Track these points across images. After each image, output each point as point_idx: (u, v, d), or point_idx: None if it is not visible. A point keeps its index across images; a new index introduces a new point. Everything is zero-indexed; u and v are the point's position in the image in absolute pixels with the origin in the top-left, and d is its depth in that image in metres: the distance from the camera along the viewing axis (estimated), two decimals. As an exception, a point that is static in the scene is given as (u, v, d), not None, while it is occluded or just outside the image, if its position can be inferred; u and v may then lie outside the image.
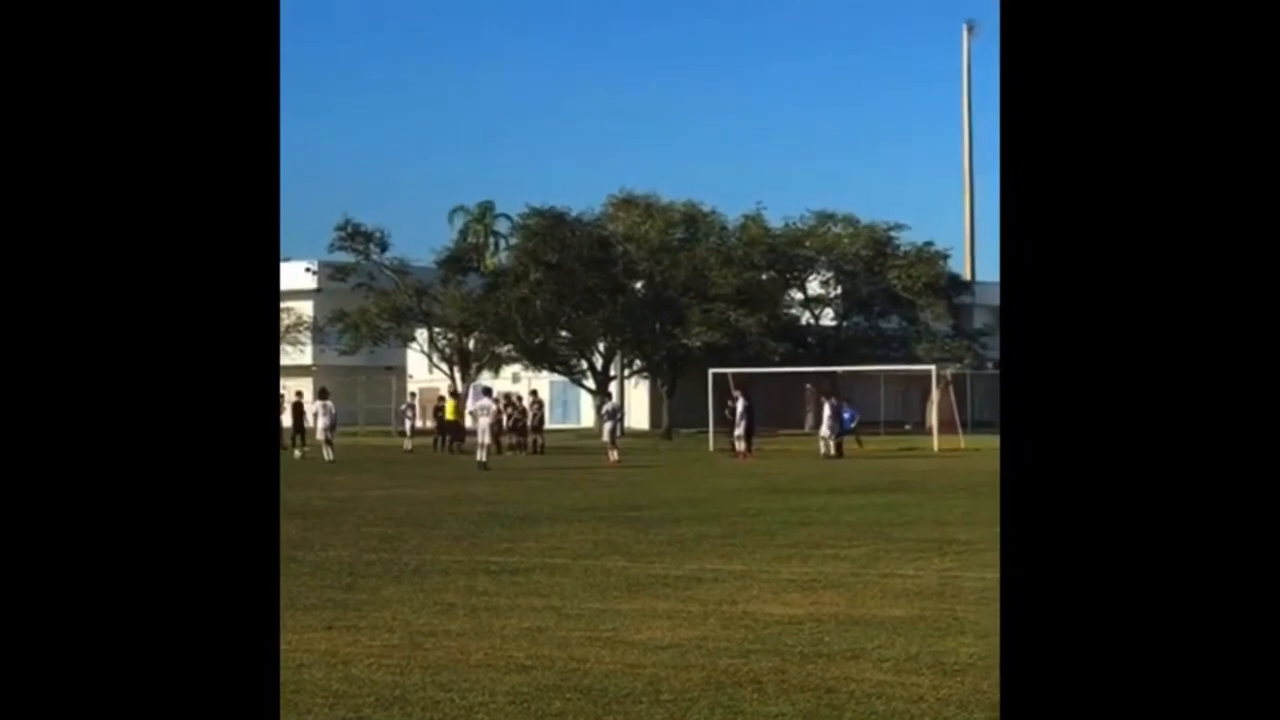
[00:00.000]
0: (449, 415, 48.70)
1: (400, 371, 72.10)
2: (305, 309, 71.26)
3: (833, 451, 42.26)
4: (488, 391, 41.29)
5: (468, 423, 47.55)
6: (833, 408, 43.68)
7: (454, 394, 51.89)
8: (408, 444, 48.00)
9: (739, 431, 43.04)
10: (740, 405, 43.48)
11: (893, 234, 67.21)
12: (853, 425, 44.85)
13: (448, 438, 47.24)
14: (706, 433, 49.20)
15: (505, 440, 45.03)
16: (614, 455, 39.52)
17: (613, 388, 62.23)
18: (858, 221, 67.15)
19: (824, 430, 43.76)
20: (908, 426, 62.71)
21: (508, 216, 70.63)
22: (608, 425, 42.58)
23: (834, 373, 57.89)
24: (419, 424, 51.78)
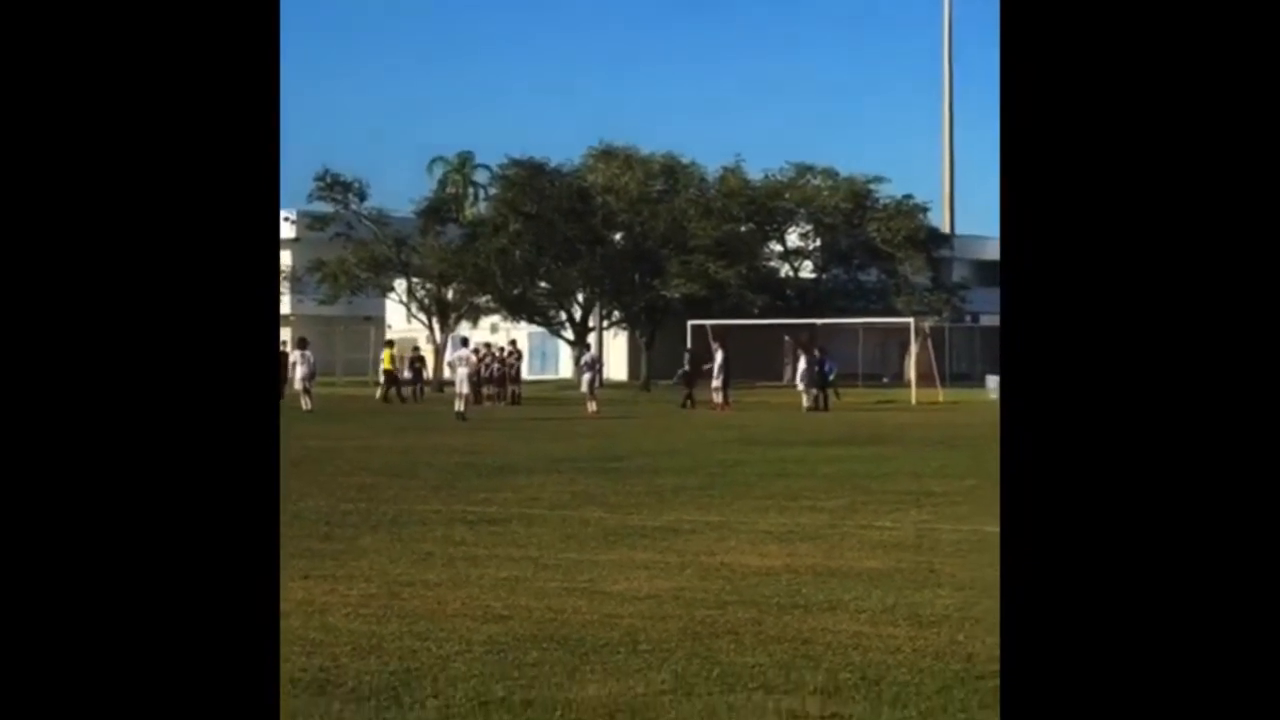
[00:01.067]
0: (385, 364, 48.70)
1: (379, 322, 71.94)
2: (284, 258, 70.92)
3: (811, 404, 42.30)
4: (465, 342, 41.20)
5: (445, 373, 47.54)
6: (813, 360, 43.71)
7: (389, 343, 51.62)
8: (379, 394, 48.08)
9: (716, 383, 43.13)
10: (719, 357, 43.55)
11: (872, 187, 67.24)
12: (831, 377, 44.90)
13: (395, 388, 47.22)
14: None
15: (484, 391, 45.03)
16: (592, 406, 39.54)
17: (591, 339, 62.29)
18: (837, 174, 67.18)
19: (799, 383, 43.83)
20: (885, 379, 62.88)
21: (487, 167, 70.31)
22: (586, 376, 42.57)
23: (813, 325, 57.98)
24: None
